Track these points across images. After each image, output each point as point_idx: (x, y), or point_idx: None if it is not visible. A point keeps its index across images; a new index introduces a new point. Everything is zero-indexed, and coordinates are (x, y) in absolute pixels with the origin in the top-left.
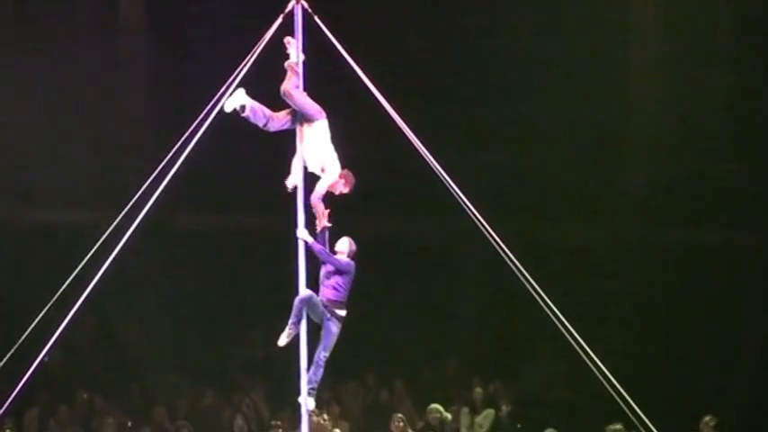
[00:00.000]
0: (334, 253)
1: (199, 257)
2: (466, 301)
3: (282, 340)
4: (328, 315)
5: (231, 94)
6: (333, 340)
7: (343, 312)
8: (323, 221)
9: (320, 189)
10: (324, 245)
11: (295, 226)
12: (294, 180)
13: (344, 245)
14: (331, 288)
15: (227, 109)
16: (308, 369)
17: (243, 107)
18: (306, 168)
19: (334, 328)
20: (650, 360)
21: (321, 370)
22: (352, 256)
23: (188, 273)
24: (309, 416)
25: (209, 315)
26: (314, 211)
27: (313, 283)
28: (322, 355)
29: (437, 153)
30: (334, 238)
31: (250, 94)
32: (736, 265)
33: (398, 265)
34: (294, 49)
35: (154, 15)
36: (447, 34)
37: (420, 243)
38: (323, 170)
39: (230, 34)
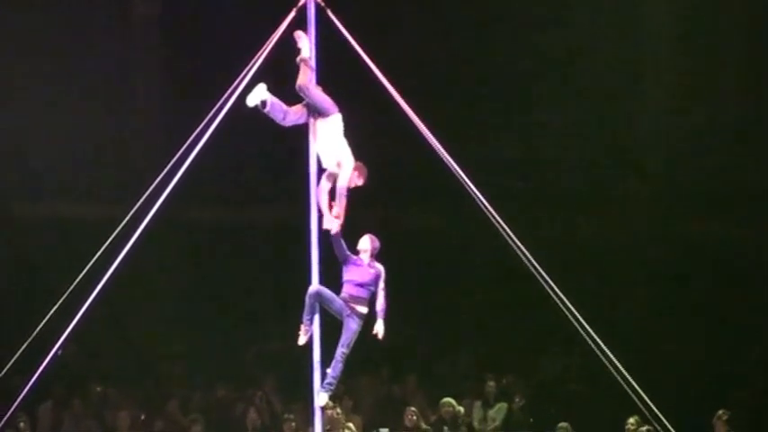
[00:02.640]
0: (356, 252)
1: (213, 251)
2: (479, 295)
3: (301, 339)
4: (348, 311)
5: (252, 89)
6: (352, 337)
7: (364, 309)
8: (338, 223)
9: (342, 184)
10: (340, 242)
11: (308, 219)
12: (330, 223)
13: (366, 243)
14: (354, 285)
15: (250, 104)
16: (322, 363)
17: (264, 102)
18: (319, 164)
19: (354, 324)
20: (664, 353)
21: (340, 366)
22: (376, 253)
23: (202, 266)
24: (323, 410)
25: (223, 308)
26: (336, 206)
27: (327, 278)
28: (341, 351)
29: (451, 148)
30: (349, 234)
31: None
32: (751, 259)
33: (411, 259)
34: (305, 42)
35: (167, 10)
36: (460, 29)
37: (434, 237)
38: (339, 165)
39: (243, 28)
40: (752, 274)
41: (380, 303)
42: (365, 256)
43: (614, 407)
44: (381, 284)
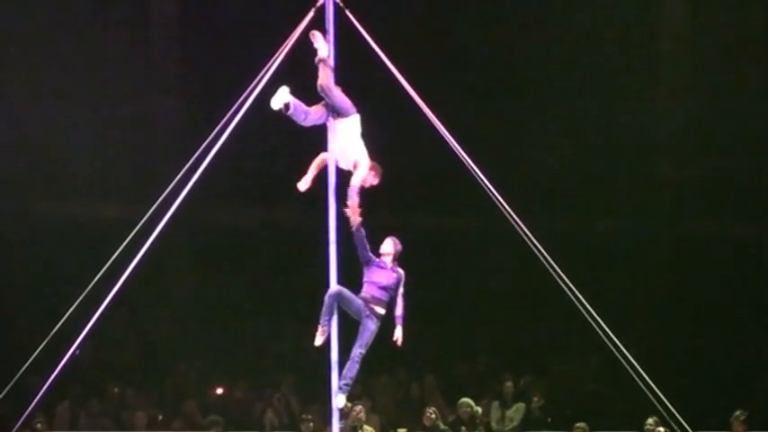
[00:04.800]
0: (379, 255)
1: (230, 251)
2: (497, 295)
3: (318, 339)
4: (367, 312)
5: (272, 90)
6: (370, 337)
7: (383, 311)
8: (356, 217)
9: (355, 183)
10: (363, 241)
11: (326, 220)
12: (307, 181)
13: (389, 246)
14: (377, 287)
15: (274, 107)
16: (340, 363)
17: (287, 105)
18: (336, 163)
19: (372, 325)
20: (682, 354)
21: (357, 366)
22: (398, 256)
23: (219, 266)
24: (349, 408)
25: (241, 309)
26: (349, 205)
27: (344, 278)
28: (358, 351)
29: (468, 148)
30: (368, 235)
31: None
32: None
33: (429, 259)
34: (321, 42)
35: (186, 9)
36: (477, 29)
37: (452, 238)
38: (355, 166)
39: (262, 28)
40: None
41: (400, 309)
42: (388, 260)
43: (632, 408)
44: (401, 289)
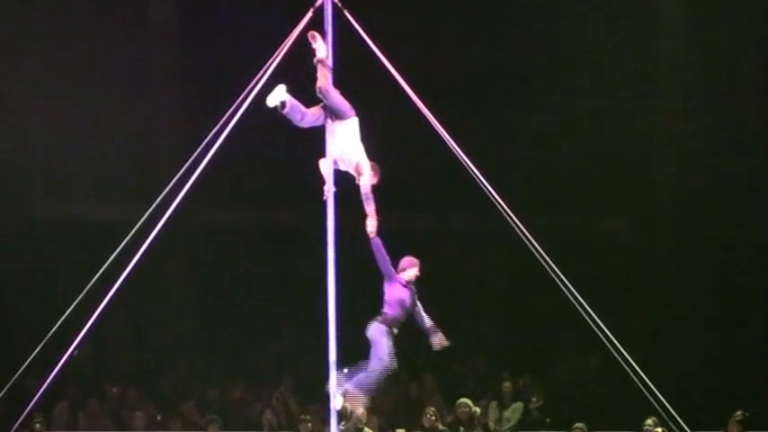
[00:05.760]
0: (397, 269)
1: (229, 252)
2: (496, 295)
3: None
4: (388, 332)
5: (270, 89)
6: (384, 351)
7: (396, 331)
8: (374, 222)
9: (367, 188)
10: (381, 251)
11: (325, 221)
12: (330, 186)
13: (414, 272)
14: (400, 307)
15: (270, 104)
16: (337, 364)
17: (283, 103)
18: (335, 164)
19: (389, 342)
20: (680, 354)
21: (374, 378)
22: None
23: (218, 267)
24: (351, 411)
25: (239, 309)
26: (368, 212)
27: (342, 278)
28: (375, 365)
29: (465, 147)
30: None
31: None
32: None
33: (427, 259)
34: (320, 43)
35: (183, 10)
36: (476, 29)
37: (451, 237)
38: (357, 169)
39: (261, 29)
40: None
41: (428, 320)
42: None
43: (630, 408)
44: (418, 303)
